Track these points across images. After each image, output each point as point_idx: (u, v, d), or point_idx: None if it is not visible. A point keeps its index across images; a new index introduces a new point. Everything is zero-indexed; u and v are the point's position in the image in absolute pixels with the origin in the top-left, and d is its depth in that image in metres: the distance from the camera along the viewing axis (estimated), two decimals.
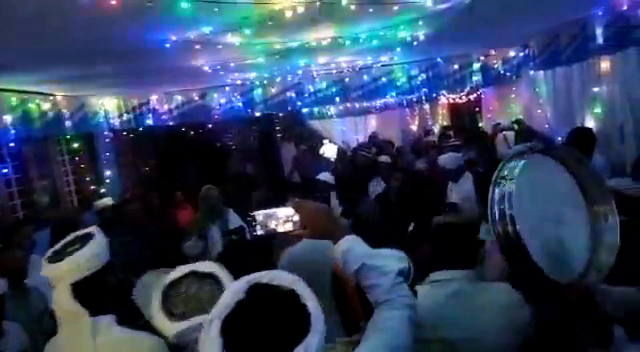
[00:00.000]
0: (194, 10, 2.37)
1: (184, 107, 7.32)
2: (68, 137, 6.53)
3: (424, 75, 7.12)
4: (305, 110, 13.29)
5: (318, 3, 2.60)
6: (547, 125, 6.49)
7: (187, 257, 4.30)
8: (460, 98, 10.51)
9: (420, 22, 3.44)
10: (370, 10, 2.82)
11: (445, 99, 11.29)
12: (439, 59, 6.98)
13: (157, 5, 2.35)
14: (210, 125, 7.95)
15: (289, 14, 2.70)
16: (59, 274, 1.69)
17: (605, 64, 5.29)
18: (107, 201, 5.97)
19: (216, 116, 7.31)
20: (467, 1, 3.21)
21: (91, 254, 1.73)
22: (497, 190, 1.50)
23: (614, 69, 5.16)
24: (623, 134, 5.09)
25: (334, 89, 7.20)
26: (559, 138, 5.76)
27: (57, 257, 1.73)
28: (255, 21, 2.85)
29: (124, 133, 7.67)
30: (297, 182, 8.02)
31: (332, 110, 15.54)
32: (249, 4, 2.55)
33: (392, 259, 1.41)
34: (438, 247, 1.92)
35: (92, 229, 1.87)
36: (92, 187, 6.91)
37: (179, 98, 7.21)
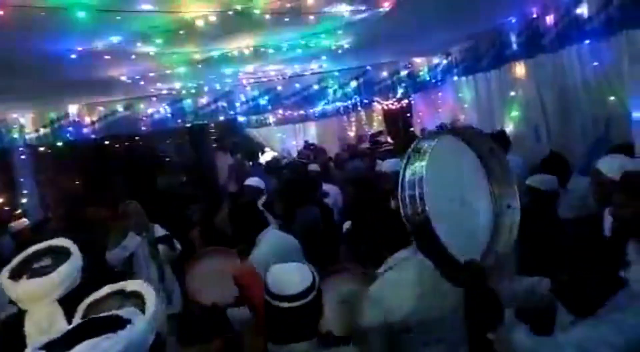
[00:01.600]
0: (93, 19, 2.22)
1: (107, 119, 6.95)
2: None
3: (354, 83, 7.23)
4: (242, 119, 13.20)
5: (230, 12, 2.53)
6: None
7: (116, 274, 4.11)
8: (393, 104, 10.78)
9: (340, 32, 3.45)
10: (286, 19, 2.79)
11: (379, 105, 11.55)
12: (368, 67, 7.11)
13: (54, 16, 2.18)
14: (137, 137, 7.59)
15: (200, 23, 2.61)
16: (40, 292, 1.62)
17: (519, 70, 5.60)
18: (23, 222, 5.53)
19: (143, 127, 7.00)
20: (383, 13, 3.26)
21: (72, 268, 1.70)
22: (408, 171, 1.51)
23: (527, 74, 5.47)
24: (538, 135, 5.39)
25: (266, 97, 7.14)
26: None
27: (25, 274, 1.62)
28: (164, 30, 2.73)
29: (42, 148, 7.16)
30: (233, 192, 7.85)
31: (270, 118, 15.55)
32: (152, 14, 2.42)
33: None
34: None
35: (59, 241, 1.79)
36: (7, 208, 6.37)
37: (101, 110, 6.84)
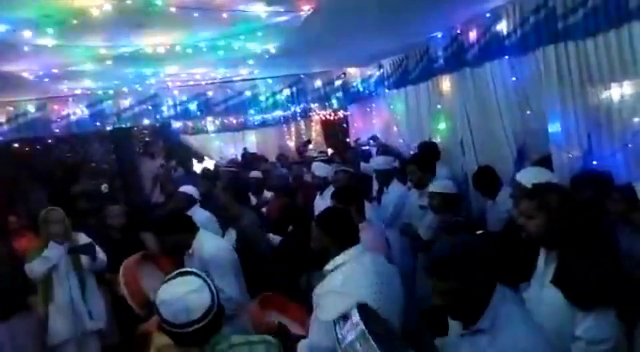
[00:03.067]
0: None
1: (17, 120, 6.38)
2: None
3: (288, 91, 7.12)
4: (177, 124, 12.74)
5: (129, 1, 2.32)
6: (401, 140, 6.85)
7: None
8: (330, 115, 10.82)
9: (260, 34, 3.32)
10: (196, 15, 2.61)
11: (317, 115, 11.55)
12: (302, 75, 7.04)
13: None
14: (50, 141, 7.02)
15: (95, 12, 2.37)
16: None
17: (445, 83, 5.73)
18: None
19: (57, 130, 6.48)
20: (303, 17, 3.17)
21: None
22: None
23: (453, 88, 5.60)
24: (464, 148, 5.51)
25: (195, 102, 6.86)
26: (411, 152, 6.10)
27: None
28: (56, 20, 2.46)
29: None
30: (157, 202, 7.46)
31: (209, 126, 15.15)
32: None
33: None
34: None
35: None
36: None
37: (11, 109, 6.26)
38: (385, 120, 7.64)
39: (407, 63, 6.24)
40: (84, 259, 3.99)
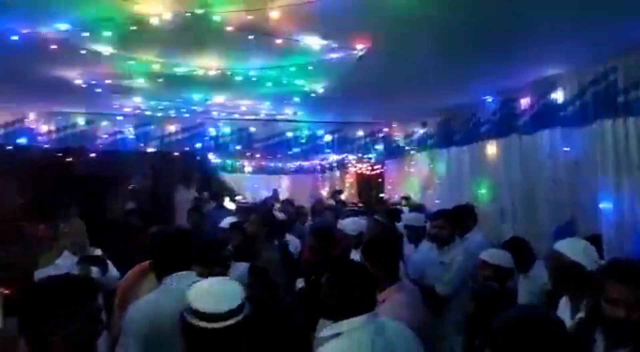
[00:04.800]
0: None
1: (66, 131, 6.61)
2: None
3: (329, 137, 7.11)
4: (216, 160, 12.99)
5: (188, 14, 2.34)
6: (437, 201, 6.63)
7: None
8: (367, 169, 10.75)
9: (310, 68, 3.31)
10: (250, 37, 2.62)
11: (353, 167, 11.52)
12: (344, 123, 7.06)
13: None
14: (94, 154, 7.20)
15: (154, 21, 2.41)
16: None
17: (491, 148, 5.56)
18: None
19: (101, 145, 6.66)
20: (356, 57, 3.15)
21: None
22: None
23: (498, 154, 5.42)
24: (504, 216, 5.25)
25: (236, 137, 6.94)
26: None
27: None
28: (115, 24, 2.51)
29: None
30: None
31: (246, 167, 15.46)
32: (111, 1, 2.21)
33: None
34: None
35: None
36: None
37: (60, 119, 6.50)
38: (423, 180, 7.47)
39: (453, 123, 6.14)
40: (95, 273, 3.89)
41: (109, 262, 3.89)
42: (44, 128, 6.50)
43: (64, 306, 1.43)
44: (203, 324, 1.50)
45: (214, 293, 1.56)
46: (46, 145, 6.66)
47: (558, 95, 4.43)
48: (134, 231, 6.14)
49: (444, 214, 4.68)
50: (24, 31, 2.66)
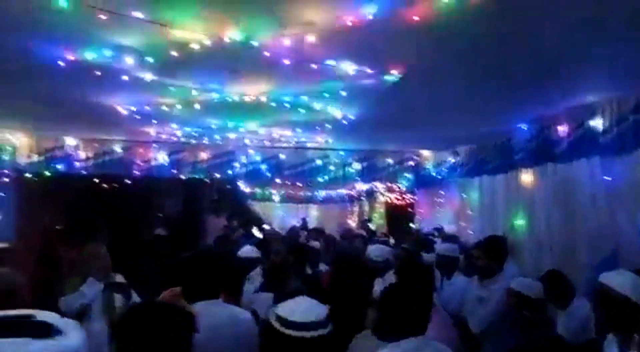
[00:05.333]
0: (77, 15, 2.09)
1: (104, 157, 6.82)
2: None
3: (358, 165, 7.10)
4: (246, 189, 13.12)
5: (227, 40, 2.41)
6: (471, 232, 6.46)
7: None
8: (396, 198, 10.64)
9: (344, 93, 3.34)
10: (286, 62, 2.67)
11: (383, 196, 11.43)
12: (374, 151, 7.05)
13: (46, 12, 2.05)
14: (128, 181, 7.39)
15: (195, 46, 2.49)
16: None
17: (527, 177, 5.42)
18: None
19: (137, 172, 6.83)
20: (389, 83, 3.16)
21: None
22: None
23: (535, 183, 5.28)
24: (541, 248, 5.06)
25: (266, 164, 7.01)
26: None
27: None
28: (156, 49, 2.61)
29: (28, 175, 6.96)
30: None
31: (275, 197, 15.56)
32: (142, 24, 2.30)
33: None
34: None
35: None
36: None
37: (97, 146, 6.73)
38: (455, 210, 7.32)
39: (486, 152, 6.04)
40: (118, 299, 3.87)
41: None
42: (82, 154, 6.73)
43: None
44: (292, 332, 1.60)
45: (303, 306, 1.69)
46: (83, 172, 6.88)
47: (597, 123, 4.30)
48: (160, 257, 6.20)
49: (480, 245, 4.56)
50: (70, 57, 2.79)
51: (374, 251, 4.94)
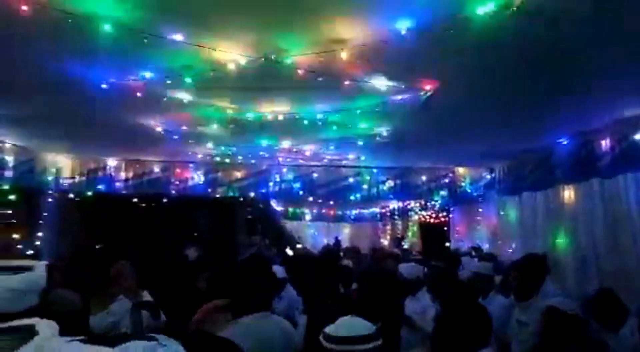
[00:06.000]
0: (121, 38, 2.19)
1: (143, 178, 7.03)
2: (8, 188, 6.03)
3: (391, 183, 7.03)
4: (278, 208, 13.20)
5: (262, 59, 2.46)
6: (510, 250, 6.24)
7: None
8: (430, 216, 10.44)
9: (377, 109, 3.33)
10: (320, 79, 2.69)
11: (416, 216, 11.24)
12: (407, 169, 6.98)
13: (80, 27, 2.16)
14: (165, 200, 7.58)
15: (231, 66, 2.55)
16: None
17: (569, 193, 5.22)
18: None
19: (174, 191, 7.00)
20: (423, 99, 3.14)
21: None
22: None
23: (577, 199, 5.08)
24: (586, 267, 4.83)
25: (299, 182, 7.04)
26: None
27: None
28: (195, 70, 2.69)
29: (71, 195, 7.23)
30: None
31: (307, 214, 15.58)
32: (192, 49, 2.39)
33: None
34: None
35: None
36: (19, 246, 6.25)
37: (137, 167, 6.95)
38: (492, 228, 7.11)
39: (525, 168, 5.86)
40: (145, 318, 3.89)
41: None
42: (122, 175, 6.96)
43: None
44: (334, 347, 1.74)
45: (351, 322, 1.82)
46: (123, 192, 7.10)
47: None
48: (190, 275, 6.24)
49: (516, 266, 4.41)
50: (112, 80, 2.91)
51: (406, 268, 4.87)
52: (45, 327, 1.42)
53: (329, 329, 1.81)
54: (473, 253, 7.00)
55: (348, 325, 1.80)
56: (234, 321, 2.29)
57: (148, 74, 2.80)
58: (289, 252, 11.33)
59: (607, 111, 4.07)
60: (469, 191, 7.06)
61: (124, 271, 3.84)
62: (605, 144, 4.58)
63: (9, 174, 5.78)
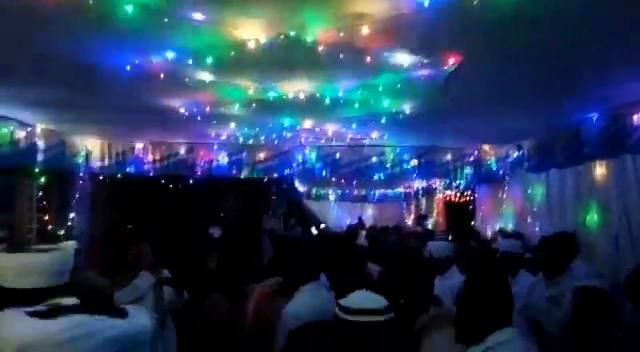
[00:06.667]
0: (142, 18, 2.20)
1: (169, 160, 7.16)
2: (40, 171, 6.22)
3: (415, 162, 6.95)
4: (301, 188, 13.26)
5: (282, 37, 2.44)
6: (537, 229, 6.13)
7: None
8: (455, 195, 10.31)
9: (399, 85, 3.28)
10: (341, 56, 2.66)
11: (441, 195, 11.13)
12: (432, 148, 6.88)
13: (100, 8, 2.17)
14: (191, 181, 7.71)
15: (251, 45, 2.54)
16: None
17: (600, 170, 5.07)
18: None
19: (199, 173, 7.11)
20: (447, 73, 3.06)
21: None
22: None
23: (609, 176, 4.92)
24: (618, 245, 4.71)
25: (322, 162, 7.04)
26: None
27: None
28: (216, 50, 2.69)
29: (101, 177, 7.43)
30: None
31: (330, 195, 15.63)
32: (212, 29, 2.38)
33: None
34: None
35: None
36: (51, 227, 6.48)
37: (163, 149, 7.07)
38: (519, 207, 6.98)
39: (553, 145, 5.70)
40: (167, 293, 4.02)
41: None
42: (149, 157, 7.10)
43: None
44: (349, 317, 1.85)
45: (366, 296, 1.94)
46: (150, 173, 7.25)
47: None
48: (212, 255, 6.38)
49: (549, 241, 4.35)
50: (137, 61, 2.94)
51: (435, 247, 4.84)
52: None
53: (344, 301, 1.92)
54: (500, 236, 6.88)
55: (361, 298, 1.91)
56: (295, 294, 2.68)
57: (170, 55, 2.82)
58: (314, 231, 11.43)
59: (638, 85, 3.90)
60: (494, 169, 6.93)
61: (144, 249, 3.99)
62: (637, 118, 4.40)
63: (40, 157, 5.95)
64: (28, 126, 5.66)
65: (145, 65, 2.96)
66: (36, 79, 3.60)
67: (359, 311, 1.84)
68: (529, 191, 6.51)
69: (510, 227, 7.08)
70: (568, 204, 5.61)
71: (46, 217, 6.39)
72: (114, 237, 7.95)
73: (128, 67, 2.97)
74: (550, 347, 3.50)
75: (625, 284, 3.63)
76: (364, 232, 9.10)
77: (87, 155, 6.90)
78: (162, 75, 3.10)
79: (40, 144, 5.96)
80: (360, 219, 13.26)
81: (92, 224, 7.42)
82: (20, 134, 5.56)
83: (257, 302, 3.31)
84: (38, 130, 5.90)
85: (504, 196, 7.33)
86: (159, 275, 3.93)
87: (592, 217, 5.15)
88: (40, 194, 6.32)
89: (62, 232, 6.45)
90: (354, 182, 8.83)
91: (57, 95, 4.13)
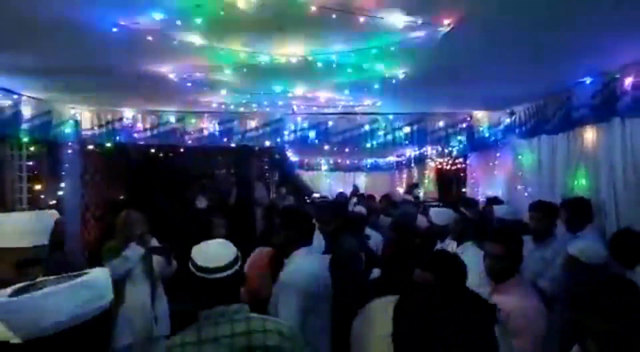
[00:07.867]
0: None
1: (159, 128, 7.08)
2: (28, 140, 6.12)
3: (408, 129, 6.94)
4: (294, 158, 13.23)
5: None
6: (526, 194, 6.21)
7: None
8: (447, 163, 10.37)
9: (392, 48, 3.23)
10: (334, 17, 2.60)
11: (433, 162, 11.18)
12: (424, 115, 6.86)
13: None
14: (182, 150, 7.66)
15: (241, 4, 2.47)
16: None
17: (590, 135, 5.11)
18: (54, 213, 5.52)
19: (190, 141, 7.05)
20: (440, 35, 3.02)
21: None
22: None
23: (598, 141, 4.96)
24: (606, 210, 4.80)
25: (314, 130, 7.01)
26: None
27: None
28: (206, 10, 2.62)
29: (90, 147, 7.35)
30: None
31: (323, 164, 15.65)
32: None
33: None
34: None
35: None
36: (43, 196, 6.45)
37: (153, 117, 6.98)
38: (509, 174, 7.04)
39: (546, 110, 5.71)
40: (157, 263, 4.02)
41: None
42: (139, 126, 7.01)
43: None
44: (202, 274, 1.87)
45: (212, 252, 1.94)
46: (141, 142, 7.18)
47: None
48: (201, 223, 6.41)
49: (541, 206, 4.43)
50: (123, 22, 2.86)
51: (438, 214, 4.85)
52: None
53: (194, 257, 1.94)
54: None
55: (207, 254, 1.92)
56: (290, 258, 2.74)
57: (158, 16, 2.74)
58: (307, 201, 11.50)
59: (631, 48, 3.88)
60: (487, 136, 6.95)
61: (133, 218, 3.93)
62: (628, 82, 4.40)
63: (26, 126, 5.85)
64: (14, 94, 5.54)
65: (132, 27, 2.87)
66: (21, 45, 3.49)
67: (204, 269, 1.88)
68: (520, 157, 6.55)
69: (500, 193, 7.15)
70: (558, 170, 5.66)
71: (37, 187, 6.33)
72: (105, 206, 7.96)
73: (114, 29, 2.89)
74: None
75: (609, 242, 3.75)
76: (355, 200, 9.15)
77: (76, 124, 6.80)
78: (149, 38, 3.02)
79: (27, 112, 5.84)
80: (355, 186, 13.39)
81: (83, 193, 7.39)
82: (6, 102, 5.45)
83: (251, 273, 3.35)
84: (24, 98, 5.77)
85: (496, 163, 7.38)
86: (147, 244, 3.92)
87: (580, 183, 5.21)
88: (30, 163, 6.24)
89: (53, 202, 6.41)
90: (346, 151, 8.82)
91: (43, 63, 4.03)
